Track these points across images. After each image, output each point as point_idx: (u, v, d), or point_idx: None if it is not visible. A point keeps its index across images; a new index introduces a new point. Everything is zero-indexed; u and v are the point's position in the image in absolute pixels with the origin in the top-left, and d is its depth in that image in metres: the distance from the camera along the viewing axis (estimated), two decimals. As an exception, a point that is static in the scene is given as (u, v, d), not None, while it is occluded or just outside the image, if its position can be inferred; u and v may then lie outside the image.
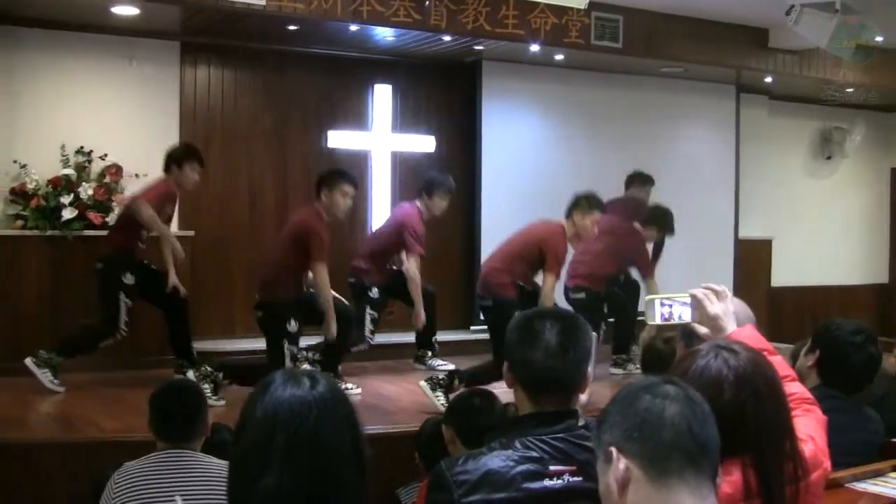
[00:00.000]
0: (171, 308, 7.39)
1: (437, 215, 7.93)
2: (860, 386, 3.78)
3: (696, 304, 2.65)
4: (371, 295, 7.73)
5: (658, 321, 2.70)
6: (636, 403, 1.87)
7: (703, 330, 2.63)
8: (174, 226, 7.86)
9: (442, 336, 8.54)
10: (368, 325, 7.70)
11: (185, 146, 7.52)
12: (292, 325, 6.76)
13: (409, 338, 8.36)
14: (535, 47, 8.71)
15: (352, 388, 6.99)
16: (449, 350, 8.48)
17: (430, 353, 8.27)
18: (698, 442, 1.83)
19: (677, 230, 9.71)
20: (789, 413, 2.27)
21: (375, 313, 7.75)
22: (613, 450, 1.85)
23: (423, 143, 9.49)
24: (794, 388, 2.55)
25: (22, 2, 7.44)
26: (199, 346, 7.95)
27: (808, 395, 2.59)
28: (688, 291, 2.67)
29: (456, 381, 6.66)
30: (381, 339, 8.29)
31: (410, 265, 7.70)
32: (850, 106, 12.20)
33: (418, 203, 7.86)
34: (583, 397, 2.71)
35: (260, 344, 7.08)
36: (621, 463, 1.84)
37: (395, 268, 7.87)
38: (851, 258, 12.61)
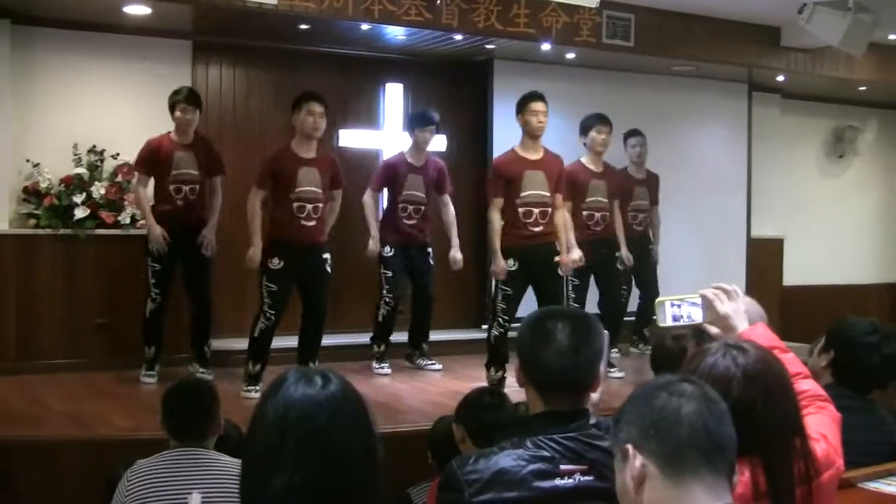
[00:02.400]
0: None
1: (423, 147, 8.10)
2: (874, 386, 3.76)
3: (707, 304, 2.65)
4: (383, 253, 7.90)
5: (669, 322, 2.70)
6: (652, 401, 1.88)
7: (714, 330, 2.63)
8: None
9: (452, 335, 8.58)
10: (384, 285, 7.92)
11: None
12: (273, 263, 6.98)
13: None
14: (546, 46, 8.71)
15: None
16: (459, 350, 8.52)
17: (417, 353, 8.34)
18: (714, 440, 1.83)
19: (690, 228, 9.73)
20: (800, 412, 2.27)
21: (389, 272, 7.90)
22: (630, 447, 1.86)
23: (435, 142, 9.47)
24: (807, 385, 2.54)
25: (34, 1, 7.47)
26: (214, 345, 7.98)
27: (822, 391, 2.58)
28: (698, 292, 2.67)
29: (491, 372, 7.21)
30: (392, 337, 8.28)
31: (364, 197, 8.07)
32: (862, 104, 12.17)
33: (405, 148, 8.19)
34: (594, 396, 2.71)
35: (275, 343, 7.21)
36: (637, 460, 1.84)
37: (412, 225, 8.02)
38: (864, 257, 12.57)
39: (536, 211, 7.11)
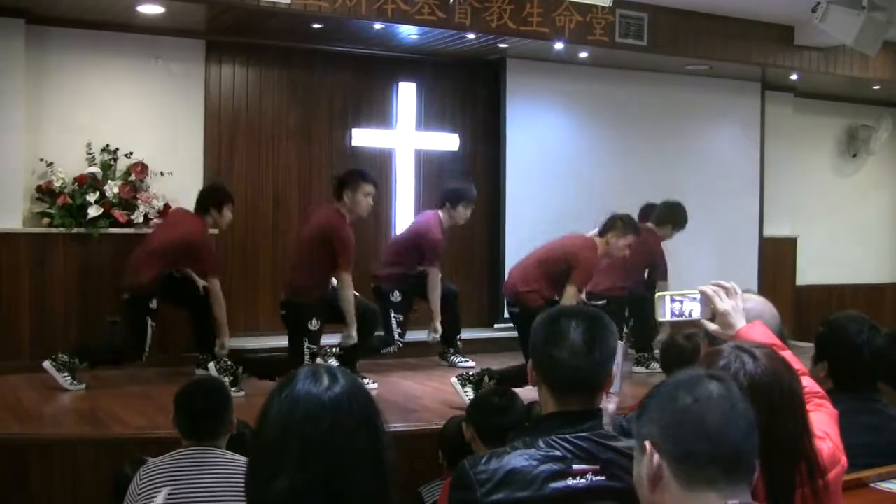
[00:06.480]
0: (194, 305, 7.47)
1: (461, 224, 8.03)
2: (874, 381, 3.73)
3: (706, 300, 2.66)
4: (392, 299, 7.81)
5: (668, 318, 2.71)
6: (675, 403, 1.87)
7: (712, 326, 2.64)
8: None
9: (466, 334, 8.56)
10: (395, 329, 7.81)
11: (221, 189, 7.57)
12: (314, 324, 6.89)
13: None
14: (559, 45, 8.70)
15: (368, 383, 7.04)
16: (473, 348, 8.52)
17: (452, 350, 8.33)
18: (736, 450, 1.83)
19: (702, 227, 9.69)
20: (807, 419, 2.24)
21: (400, 316, 7.83)
22: (649, 444, 1.85)
23: (448, 142, 9.50)
24: (805, 383, 2.54)
25: (48, 1, 7.48)
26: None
27: (818, 388, 2.59)
28: (697, 288, 2.67)
29: (486, 379, 6.74)
30: (405, 337, 8.31)
31: (431, 277, 7.82)
32: (876, 103, 12.13)
33: (440, 213, 7.94)
34: (611, 407, 2.71)
35: (284, 341, 7.15)
36: (655, 459, 1.84)
37: (418, 271, 7.90)
38: (879, 256, 12.53)
39: None
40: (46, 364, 6.89)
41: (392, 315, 7.79)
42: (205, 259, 7.27)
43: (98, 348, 7.27)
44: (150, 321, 7.12)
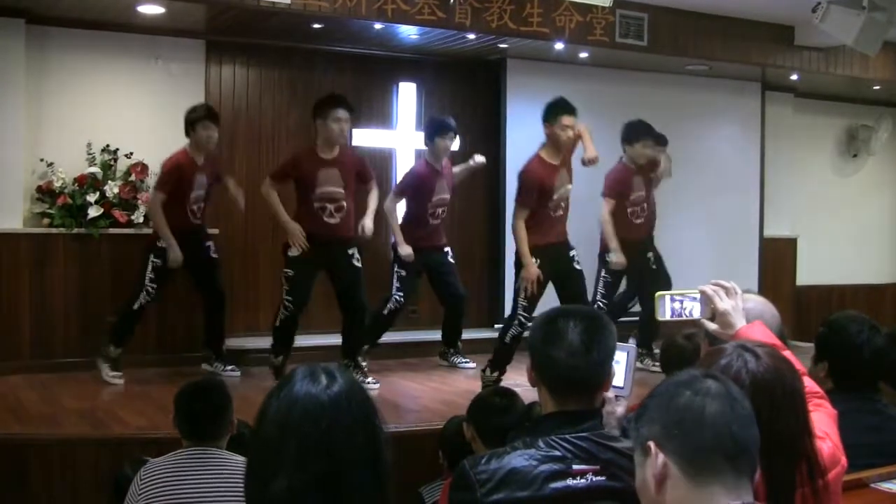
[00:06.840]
0: (212, 296, 7.55)
1: (444, 155, 8.02)
2: (874, 377, 3.73)
3: (706, 300, 2.66)
4: (400, 252, 7.83)
5: (668, 317, 2.72)
6: (676, 400, 1.88)
7: (712, 326, 2.65)
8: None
9: (466, 334, 8.56)
10: (395, 283, 7.86)
11: (192, 109, 7.50)
12: (293, 251, 7.03)
13: (433, 335, 8.39)
14: (559, 45, 8.70)
15: (369, 383, 7.06)
16: (473, 348, 8.50)
17: (452, 351, 8.36)
18: (738, 442, 1.83)
19: (703, 228, 9.70)
20: (808, 418, 2.25)
21: (403, 272, 7.85)
22: (652, 444, 1.85)
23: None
24: (804, 383, 2.54)
25: (48, 1, 7.48)
26: (229, 343, 8.00)
27: (817, 388, 2.59)
28: (697, 288, 2.68)
29: (486, 372, 6.99)
30: (405, 336, 8.32)
31: (387, 199, 7.96)
32: (876, 103, 12.13)
33: (425, 155, 8.09)
34: (619, 409, 2.72)
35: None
36: (659, 459, 1.84)
37: (442, 243, 8.08)
38: (879, 256, 12.52)
39: (563, 205, 7.27)
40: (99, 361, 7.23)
41: (395, 269, 7.87)
42: (161, 176, 7.32)
43: (115, 324, 7.30)
44: (152, 257, 7.18)
